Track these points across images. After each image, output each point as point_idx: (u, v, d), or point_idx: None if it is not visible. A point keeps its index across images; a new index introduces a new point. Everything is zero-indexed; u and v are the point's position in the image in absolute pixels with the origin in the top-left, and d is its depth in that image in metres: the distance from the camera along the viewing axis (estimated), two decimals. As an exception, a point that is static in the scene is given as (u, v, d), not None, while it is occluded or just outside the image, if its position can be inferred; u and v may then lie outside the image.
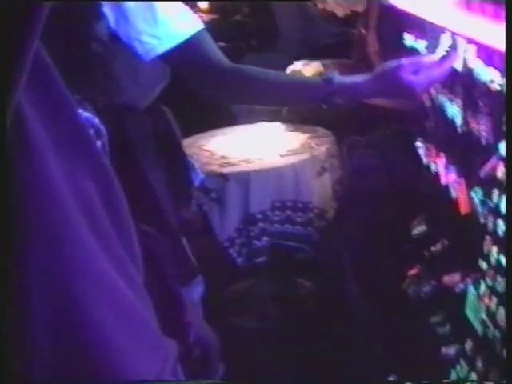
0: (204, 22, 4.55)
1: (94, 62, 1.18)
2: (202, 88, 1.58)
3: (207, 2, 4.86)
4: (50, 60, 0.69)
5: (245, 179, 2.55)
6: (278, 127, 2.86)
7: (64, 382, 0.63)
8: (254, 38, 4.62)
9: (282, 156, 2.64)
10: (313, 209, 2.60)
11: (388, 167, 1.95)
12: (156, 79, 1.68)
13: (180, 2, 1.50)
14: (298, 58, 3.45)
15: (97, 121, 1.06)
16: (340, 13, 2.39)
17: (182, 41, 1.46)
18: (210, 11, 4.83)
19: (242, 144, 2.79)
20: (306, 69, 2.63)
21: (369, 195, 2.01)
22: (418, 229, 1.71)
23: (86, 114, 1.04)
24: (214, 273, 2.54)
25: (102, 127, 1.08)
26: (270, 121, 2.90)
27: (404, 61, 1.48)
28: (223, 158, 2.68)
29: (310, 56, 3.19)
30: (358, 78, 1.51)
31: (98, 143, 1.08)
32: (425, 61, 1.51)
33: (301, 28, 4.00)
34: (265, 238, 2.59)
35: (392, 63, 1.49)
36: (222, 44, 4.67)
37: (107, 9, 1.40)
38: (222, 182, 2.57)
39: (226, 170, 2.58)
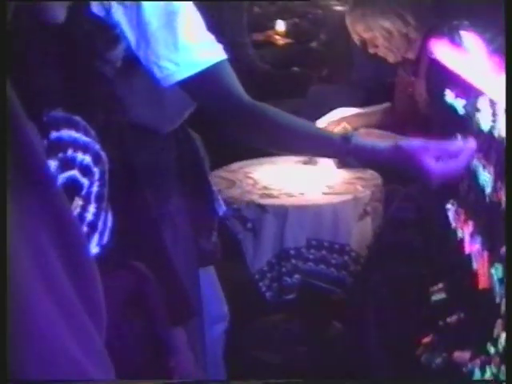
0: (279, 45, 4.55)
1: (100, 81, 1.16)
2: (218, 121, 1.55)
3: (284, 26, 4.84)
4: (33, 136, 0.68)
5: (283, 213, 2.50)
6: (326, 163, 2.80)
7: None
8: (327, 68, 4.58)
9: (324, 194, 2.58)
10: (350, 252, 2.52)
11: (421, 224, 1.87)
12: (184, 103, 1.65)
13: (205, 31, 1.46)
14: (369, 93, 3.38)
15: (97, 146, 1.04)
16: (391, 59, 2.32)
17: (201, 70, 1.43)
18: (285, 35, 4.82)
19: (287, 176, 2.74)
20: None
21: (398, 249, 1.93)
22: (438, 296, 1.63)
23: (85, 139, 1.01)
24: (242, 304, 2.51)
25: (102, 153, 1.05)
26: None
27: (430, 143, 1.42)
28: (265, 188, 2.64)
29: (380, 94, 3.12)
30: (378, 144, 1.45)
31: (96, 170, 1.05)
32: (450, 150, 1.45)
33: (375, 63, 3.93)
34: (296, 276, 2.52)
35: (418, 142, 1.43)
36: (295, 69, 4.65)
37: (128, 29, 1.39)
38: (259, 214, 2.52)
39: (265, 202, 2.53)
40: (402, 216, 1.98)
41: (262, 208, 2.51)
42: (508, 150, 1.14)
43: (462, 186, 1.64)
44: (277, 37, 4.79)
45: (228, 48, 1.50)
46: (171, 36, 1.39)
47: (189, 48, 1.41)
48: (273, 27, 4.86)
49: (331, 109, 2.74)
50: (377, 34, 2.28)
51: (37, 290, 0.63)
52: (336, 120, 2.63)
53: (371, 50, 2.36)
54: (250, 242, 2.54)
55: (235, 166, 2.89)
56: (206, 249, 1.88)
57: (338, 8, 4.34)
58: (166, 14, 1.39)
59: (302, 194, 2.59)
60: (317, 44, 4.77)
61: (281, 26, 4.86)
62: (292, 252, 2.51)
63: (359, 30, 2.36)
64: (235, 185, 2.69)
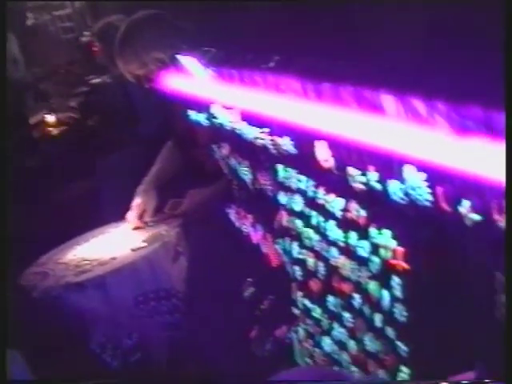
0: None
1: None
2: None
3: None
4: None
5: (101, 283, 2.52)
6: (127, 225, 2.88)
7: None
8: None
9: (133, 250, 2.64)
10: (176, 294, 2.60)
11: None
12: None
13: None
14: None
15: None
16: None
17: None
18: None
19: (95, 248, 2.78)
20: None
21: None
22: (248, 291, 1.75)
23: None
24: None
25: None
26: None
27: None
28: (77, 266, 2.65)
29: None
30: None
31: None
32: None
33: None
34: (135, 335, 2.56)
35: None
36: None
37: None
38: (79, 291, 2.53)
39: (81, 278, 2.54)
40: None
41: (80, 285, 2.52)
42: (508, 149, 1.08)
43: (233, 187, 1.79)
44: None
45: None
46: None
47: None
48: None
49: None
50: (152, 67, 2.31)
51: None
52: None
53: (147, 85, 2.37)
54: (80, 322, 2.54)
55: (43, 258, 2.87)
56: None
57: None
58: None
59: (114, 257, 2.63)
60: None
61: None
62: (123, 316, 2.54)
63: (133, 68, 2.37)
64: (48, 275, 2.68)
